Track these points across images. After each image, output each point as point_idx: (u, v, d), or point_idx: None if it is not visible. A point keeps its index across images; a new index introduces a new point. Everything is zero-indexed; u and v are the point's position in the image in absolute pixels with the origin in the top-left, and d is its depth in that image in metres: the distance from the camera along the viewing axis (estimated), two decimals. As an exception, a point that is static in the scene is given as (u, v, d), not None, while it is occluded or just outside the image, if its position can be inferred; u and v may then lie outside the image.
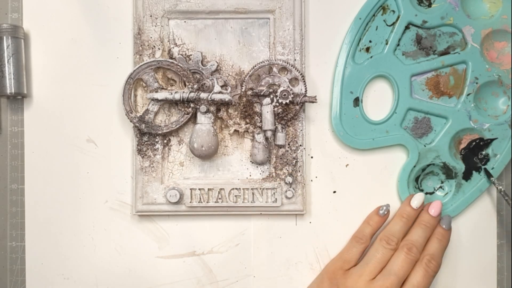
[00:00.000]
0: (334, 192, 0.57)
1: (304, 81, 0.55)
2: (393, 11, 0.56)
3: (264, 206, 0.56)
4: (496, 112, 0.57)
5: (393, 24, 0.56)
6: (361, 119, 0.57)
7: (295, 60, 0.55)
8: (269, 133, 0.54)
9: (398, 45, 0.56)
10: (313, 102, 0.54)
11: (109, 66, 0.57)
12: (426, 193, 0.58)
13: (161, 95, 0.55)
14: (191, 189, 0.56)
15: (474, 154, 0.57)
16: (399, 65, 0.56)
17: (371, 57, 0.56)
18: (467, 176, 0.57)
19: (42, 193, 0.57)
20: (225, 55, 0.56)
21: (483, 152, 0.57)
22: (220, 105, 0.55)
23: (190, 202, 0.56)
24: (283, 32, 0.56)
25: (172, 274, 0.57)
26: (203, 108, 0.54)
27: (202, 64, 0.56)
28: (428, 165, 0.57)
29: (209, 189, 0.56)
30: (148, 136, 0.56)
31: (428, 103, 0.57)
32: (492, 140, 0.57)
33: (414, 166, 0.57)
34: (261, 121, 0.55)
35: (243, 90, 0.55)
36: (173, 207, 0.56)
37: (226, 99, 0.54)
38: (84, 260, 0.57)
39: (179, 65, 0.55)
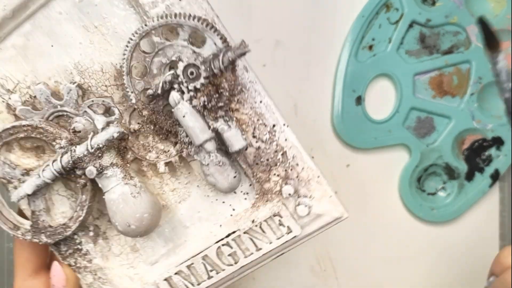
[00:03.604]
0: (335, 192, 0.57)
1: (214, 28, 0.31)
2: (397, 9, 0.55)
3: (277, 247, 0.37)
4: (499, 112, 0.57)
5: (397, 22, 0.55)
6: (363, 118, 0.56)
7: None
8: (209, 146, 0.32)
9: (401, 43, 0.56)
10: (244, 53, 0.31)
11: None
12: (428, 194, 0.58)
13: (28, 186, 0.34)
14: (166, 279, 0.37)
15: (477, 155, 0.57)
16: (402, 64, 0.56)
17: (374, 55, 0.56)
18: (469, 177, 0.57)
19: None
20: (81, 61, 0.34)
21: (486, 153, 0.57)
22: (121, 142, 0.34)
23: None
24: None
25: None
26: (90, 171, 0.33)
27: (56, 99, 0.34)
28: (430, 166, 0.57)
29: (189, 267, 0.37)
30: (63, 243, 0.36)
31: (431, 103, 0.56)
32: (495, 140, 0.56)
33: (416, 166, 0.56)
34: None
35: (132, 100, 0.33)
36: None
37: (115, 135, 0.33)
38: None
39: (24, 125, 0.33)
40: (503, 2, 0.56)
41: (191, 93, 0.31)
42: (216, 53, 0.31)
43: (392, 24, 0.56)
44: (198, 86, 0.31)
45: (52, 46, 0.33)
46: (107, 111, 0.34)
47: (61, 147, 0.33)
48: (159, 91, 0.32)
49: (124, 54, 0.32)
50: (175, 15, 0.30)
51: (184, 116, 0.32)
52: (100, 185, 0.34)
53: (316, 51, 0.56)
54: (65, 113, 0.34)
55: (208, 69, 0.31)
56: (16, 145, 0.35)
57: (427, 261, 0.58)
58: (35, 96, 0.34)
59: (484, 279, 0.58)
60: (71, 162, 0.33)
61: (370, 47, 0.56)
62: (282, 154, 0.34)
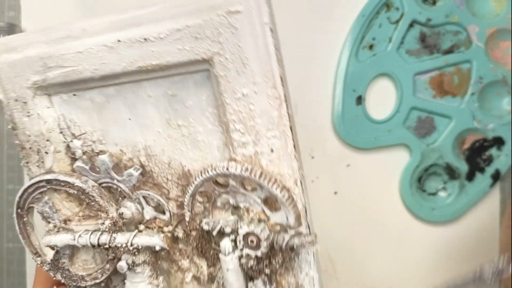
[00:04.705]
0: (335, 193, 0.57)
1: (293, 203, 0.30)
2: (397, 9, 0.55)
3: None
4: (500, 112, 0.56)
5: (397, 21, 0.55)
6: (364, 118, 0.56)
7: (272, 151, 0.30)
8: None
9: (401, 43, 0.55)
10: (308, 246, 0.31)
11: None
12: (429, 194, 0.58)
13: (60, 241, 0.34)
14: None
15: (478, 155, 0.56)
16: (402, 64, 0.55)
17: (374, 55, 0.56)
18: (470, 177, 0.56)
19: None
20: (152, 146, 0.33)
21: (487, 153, 0.56)
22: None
23: None
24: (237, 100, 0.29)
25: None
26: (121, 267, 0.33)
27: (115, 171, 0.33)
28: (431, 166, 0.56)
29: None
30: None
31: (432, 102, 0.56)
32: (495, 140, 0.56)
33: (417, 166, 0.56)
34: None
35: (186, 218, 0.32)
36: None
37: (157, 248, 0.33)
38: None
39: (77, 185, 0.33)
40: (504, 2, 0.55)
41: (243, 254, 0.31)
42: (284, 228, 0.30)
43: (392, 23, 0.55)
44: (252, 256, 0.30)
45: (129, 119, 0.33)
46: (157, 208, 0.34)
47: (103, 225, 0.34)
48: (214, 233, 0.31)
49: (195, 179, 0.31)
50: (260, 174, 0.29)
51: (227, 270, 0.31)
52: (125, 273, 0.34)
53: (316, 51, 0.56)
54: (119, 189, 0.34)
55: (267, 244, 0.30)
56: (65, 193, 0.35)
57: (428, 261, 0.58)
58: (97, 152, 0.34)
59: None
60: (107, 245, 0.33)
61: (371, 47, 0.56)
62: None
